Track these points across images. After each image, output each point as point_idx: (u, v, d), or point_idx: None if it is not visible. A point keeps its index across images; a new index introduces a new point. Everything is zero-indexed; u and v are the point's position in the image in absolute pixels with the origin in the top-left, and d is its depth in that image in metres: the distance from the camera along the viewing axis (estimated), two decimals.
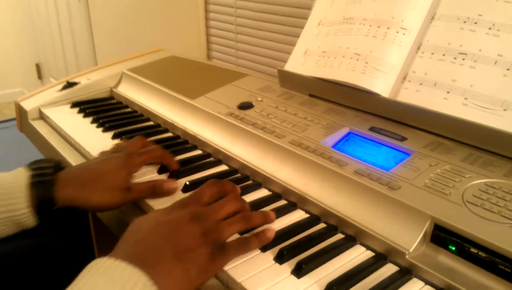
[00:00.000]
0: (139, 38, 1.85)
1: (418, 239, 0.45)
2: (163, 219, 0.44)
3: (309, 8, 0.78)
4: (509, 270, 0.40)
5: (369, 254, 0.47)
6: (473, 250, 0.42)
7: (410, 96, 0.59)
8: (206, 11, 1.38)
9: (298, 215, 0.53)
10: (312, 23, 0.75)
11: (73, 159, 0.71)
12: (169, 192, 0.56)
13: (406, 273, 0.44)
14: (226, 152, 0.65)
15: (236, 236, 0.48)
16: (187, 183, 0.58)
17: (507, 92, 0.52)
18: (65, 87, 0.93)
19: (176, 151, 0.69)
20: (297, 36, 0.77)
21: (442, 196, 0.47)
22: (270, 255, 0.46)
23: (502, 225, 0.42)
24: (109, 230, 0.66)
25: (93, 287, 0.36)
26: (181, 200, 0.48)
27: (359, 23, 0.67)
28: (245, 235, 0.47)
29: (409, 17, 0.63)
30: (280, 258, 0.45)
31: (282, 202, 0.56)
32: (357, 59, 0.64)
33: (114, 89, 0.95)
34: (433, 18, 0.61)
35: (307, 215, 0.53)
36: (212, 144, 0.68)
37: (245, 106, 0.72)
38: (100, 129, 0.78)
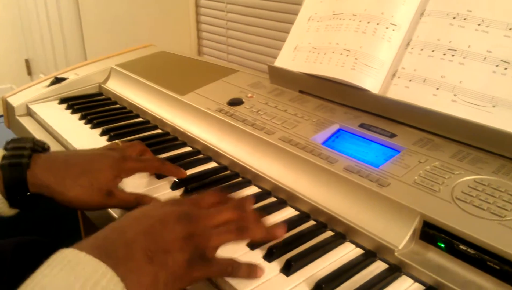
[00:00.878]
0: (130, 33, 1.83)
1: (408, 236, 0.45)
2: (151, 212, 0.41)
3: (299, 3, 0.77)
4: (498, 267, 0.40)
5: (358, 251, 0.47)
6: (462, 247, 0.42)
7: (400, 92, 0.59)
8: (197, 6, 1.37)
9: (288, 213, 0.53)
10: (302, 19, 0.75)
11: None
12: None
13: (395, 270, 0.43)
14: (215, 149, 0.65)
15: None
16: (176, 180, 0.58)
17: (496, 89, 0.52)
18: (53, 83, 0.92)
19: (166, 148, 0.68)
20: (287, 32, 0.77)
21: (431, 193, 0.47)
22: (259, 253, 0.46)
23: (491, 222, 0.42)
24: (98, 229, 0.65)
25: (52, 282, 0.32)
26: (177, 198, 0.45)
27: (348, 19, 0.66)
28: (240, 260, 0.42)
29: (398, 12, 0.62)
30: (269, 256, 0.45)
31: (272, 199, 0.56)
32: (347, 55, 0.64)
33: (102, 85, 0.94)
34: (422, 14, 0.61)
35: (297, 213, 0.53)
36: (201, 140, 0.67)
37: (235, 102, 0.71)
38: (89, 126, 0.77)
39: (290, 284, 0.42)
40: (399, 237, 0.45)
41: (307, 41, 0.72)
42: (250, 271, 0.41)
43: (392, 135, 0.57)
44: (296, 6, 1.05)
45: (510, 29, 0.53)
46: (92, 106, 0.85)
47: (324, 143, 0.59)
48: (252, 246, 0.46)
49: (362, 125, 0.61)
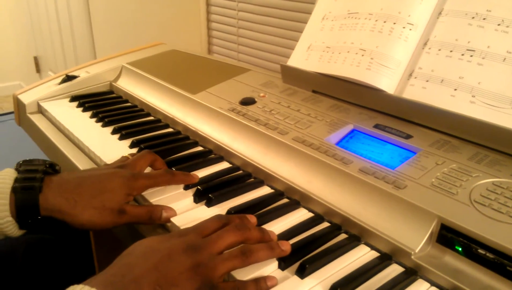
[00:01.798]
0: (139, 31, 1.83)
1: (424, 239, 0.44)
2: (157, 246, 0.41)
3: (313, 2, 0.76)
4: None
5: (374, 254, 0.46)
6: (480, 251, 0.41)
7: (416, 93, 0.58)
8: (208, 4, 1.36)
9: (301, 214, 0.52)
10: (316, 18, 0.74)
11: (72, 155, 0.70)
12: (167, 221, 0.51)
13: (411, 273, 0.43)
14: (228, 148, 0.64)
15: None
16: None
17: None
18: (64, 81, 0.92)
19: (177, 147, 0.68)
20: (300, 31, 0.76)
21: (449, 196, 0.46)
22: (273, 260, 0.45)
23: (511, 225, 0.41)
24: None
25: None
26: (181, 230, 0.45)
27: (364, 18, 0.66)
28: (245, 280, 0.42)
29: (416, 12, 0.61)
30: (283, 259, 0.44)
31: (285, 200, 0.55)
32: (362, 55, 0.63)
33: (113, 83, 0.94)
34: (440, 13, 0.60)
35: (311, 214, 0.52)
36: (213, 140, 0.67)
37: (247, 101, 0.71)
38: (100, 124, 0.77)
39: (305, 286, 0.42)
40: (416, 240, 0.44)
41: (321, 40, 0.71)
42: (259, 286, 0.41)
43: (408, 136, 0.57)
44: (309, 5, 1.04)
45: None
46: (103, 104, 0.85)
47: (338, 143, 0.58)
48: None
49: (377, 126, 0.60)
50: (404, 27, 0.61)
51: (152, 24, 1.73)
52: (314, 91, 0.72)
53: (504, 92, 0.52)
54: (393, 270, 0.44)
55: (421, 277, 0.43)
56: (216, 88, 0.78)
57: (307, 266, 0.43)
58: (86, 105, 0.84)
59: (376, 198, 0.49)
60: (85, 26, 2.23)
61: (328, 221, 0.51)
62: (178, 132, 0.74)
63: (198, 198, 0.55)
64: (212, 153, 0.67)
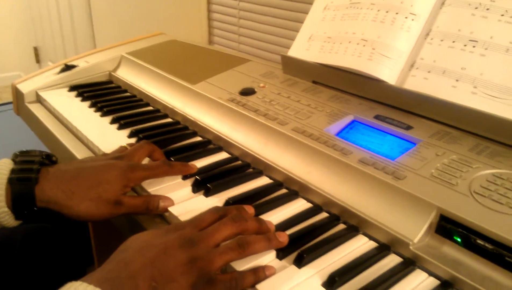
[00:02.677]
0: (139, 21, 1.82)
1: (423, 229, 0.44)
2: (154, 241, 0.41)
3: None
4: None
5: (372, 244, 0.46)
6: (479, 241, 0.41)
7: (418, 83, 0.58)
8: None
9: (299, 204, 0.52)
10: (318, 8, 0.73)
11: (70, 144, 0.70)
12: (164, 211, 0.51)
13: (409, 264, 0.43)
14: (227, 138, 0.64)
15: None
16: None
17: None
18: (63, 70, 0.91)
19: (176, 137, 0.68)
20: (301, 21, 0.75)
21: (448, 187, 0.46)
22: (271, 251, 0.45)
23: (511, 216, 0.41)
24: None
25: None
26: (177, 223, 0.45)
27: (366, 8, 0.65)
28: (242, 270, 0.42)
29: (418, 2, 0.61)
30: (281, 248, 0.44)
31: (284, 190, 0.55)
32: (364, 45, 0.63)
33: (113, 73, 0.93)
34: (443, 3, 0.60)
35: (309, 205, 0.52)
36: (212, 130, 0.66)
37: (247, 92, 0.70)
38: (98, 114, 0.77)
39: (302, 276, 0.41)
40: (415, 230, 0.44)
41: (322, 30, 0.70)
42: (257, 276, 0.41)
43: (408, 127, 0.56)
44: None
45: None
46: (102, 94, 0.85)
47: (338, 134, 0.58)
48: None
49: (377, 117, 0.59)
50: (406, 17, 0.61)
51: (152, 14, 1.72)
52: (314, 82, 0.72)
53: (507, 83, 0.51)
54: (391, 261, 0.44)
55: (420, 268, 0.42)
56: (216, 78, 0.77)
57: (305, 256, 0.42)
58: (85, 94, 0.83)
59: (375, 188, 0.48)
60: (85, 16, 2.22)
61: (327, 212, 0.51)
62: (177, 122, 0.74)
63: (196, 188, 0.54)
64: (211, 143, 0.66)
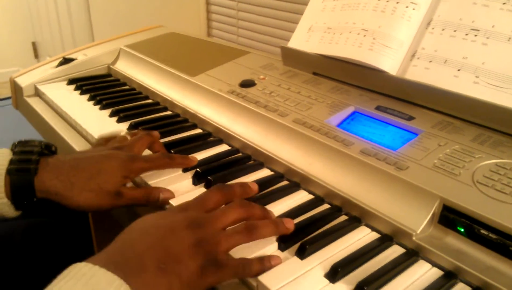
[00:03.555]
0: (138, 14, 1.81)
1: (426, 220, 0.43)
2: (159, 222, 0.40)
3: None
4: None
5: (374, 235, 0.46)
6: (483, 231, 0.41)
7: (419, 73, 0.57)
8: None
9: (301, 196, 0.52)
10: None
11: (70, 137, 0.69)
12: (165, 203, 0.50)
13: (412, 255, 0.42)
14: (227, 130, 0.63)
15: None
16: None
17: None
18: (61, 63, 0.91)
19: (176, 129, 0.67)
20: (300, 13, 0.74)
21: (451, 177, 0.45)
22: (273, 241, 0.44)
23: None
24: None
25: None
26: (182, 204, 0.44)
27: None
28: (250, 257, 0.41)
29: None
30: (284, 240, 0.44)
31: (285, 182, 0.54)
32: (364, 35, 0.62)
33: (111, 66, 0.92)
34: None
35: (311, 196, 0.52)
36: (212, 122, 0.66)
37: (247, 84, 0.70)
38: (98, 107, 0.76)
39: (305, 267, 0.41)
40: (417, 221, 0.44)
41: (322, 21, 0.69)
42: (263, 265, 0.40)
43: (410, 118, 0.56)
44: None
45: None
46: (101, 87, 0.84)
47: (339, 125, 0.58)
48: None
49: (378, 108, 0.59)
50: (407, 7, 0.60)
51: (151, 7, 1.70)
52: (314, 73, 0.71)
53: (509, 72, 0.51)
54: (394, 251, 0.43)
55: (423, 258, 0.42)
56: (215, 71, 0.77)
57: (307, 247, 0.42)
58: (84, 88, 0.83)
59: (377, 179, 0.48)
60: (83, 11, 2.20)
61: (329, 203, 0.51)
62: (177, 115, 0.73)
63: (197, 180, 0.54)
64: (211, 136, 0.66)
